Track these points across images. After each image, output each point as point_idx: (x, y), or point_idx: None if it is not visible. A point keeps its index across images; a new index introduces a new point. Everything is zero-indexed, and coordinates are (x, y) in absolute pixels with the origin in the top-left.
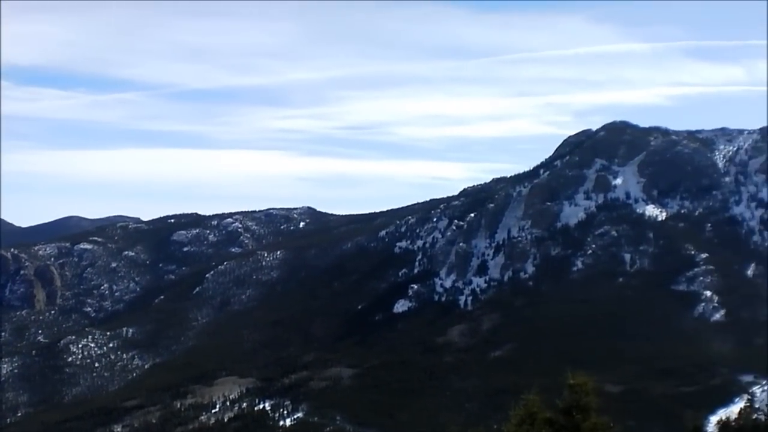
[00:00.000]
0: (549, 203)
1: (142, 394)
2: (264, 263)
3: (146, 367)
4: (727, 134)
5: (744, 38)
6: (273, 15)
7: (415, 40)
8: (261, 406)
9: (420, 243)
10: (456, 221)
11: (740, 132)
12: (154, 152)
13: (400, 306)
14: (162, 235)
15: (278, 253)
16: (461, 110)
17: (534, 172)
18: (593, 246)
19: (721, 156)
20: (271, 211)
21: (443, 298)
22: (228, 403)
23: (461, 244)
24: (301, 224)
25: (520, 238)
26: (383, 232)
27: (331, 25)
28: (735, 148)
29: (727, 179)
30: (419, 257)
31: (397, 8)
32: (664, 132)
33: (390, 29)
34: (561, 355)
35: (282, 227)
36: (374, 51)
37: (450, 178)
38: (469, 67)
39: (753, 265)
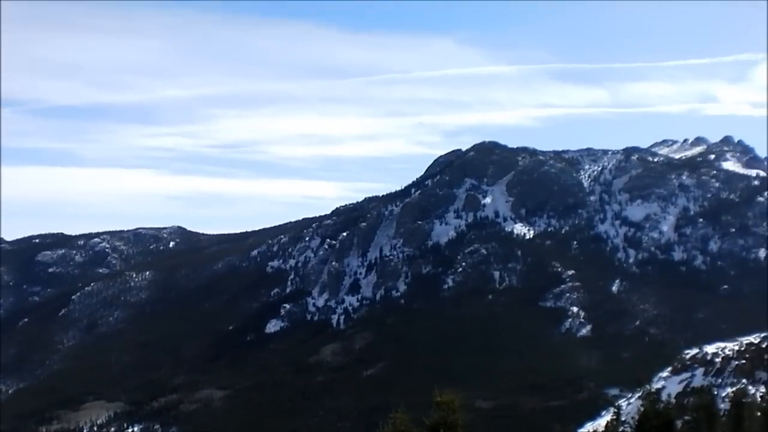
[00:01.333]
0: (420, 222)
1: (7, 421)
2: (133, 284)
3: (10, 392)
4: (592, 154)
5: (607, 61)
6: (143, 31)
7: (287, 59)
8: (130, 431)
9: (292, 262)
10: (328, 240)
11: (605, 152)
12: (19, 170)
13: (273, 326)
14: (26, 256)
15: (147, 273)
16: (333, 129)
17: (405, 192)
18: (463, 264)
19: (587, 175)
20: (140, 230)
21: (316, 318)
22: (95, 428)
23: (334, 263)
24: (171, 244)
25: (392, 257)
26: (255, 252)
27: (201, 42)
28: (600, 168)
29: (592, 198)
30: (291, 276)
31: (269, 27)
32: (532, 152)
33: (261, 47)
34: (433, 372)
35: (151, 247)
36: (245, 69)
37: (322, 197)
38: (340, 86)
39: (618, 281)
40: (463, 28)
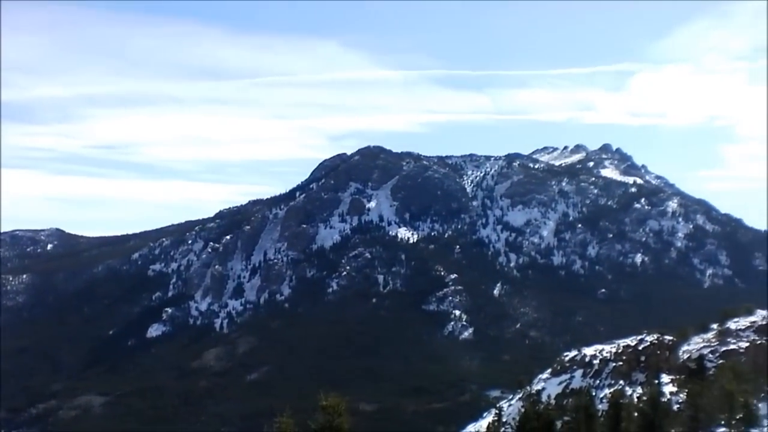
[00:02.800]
0: (305, 225)
1: None
2: (9, 288)
3: None
4: (474, 160)
5: (489, 69)
6: (20, 27)
7: (169, 59)
8: None
9: (174, 265)
10: (212, 243)
11: (487, 158)
12: None
13: (154, 330)
14: None
15: (24, 276)
16: (217, 131)
17: (290, 195)
18: (348, 268)
19: (470, 181)
20: (17, 232)
21: (198, 322)
22: None
23: (217, 266)
24: (49, 247)
25: (276, 260)
26: (136, 255)
27: (81, 39)
28: (482, 174)
29: (474, 203)
30: (174, 280)
31: (151, 25)
32: (416, 157)
33: (143, 46)
34: (317, 376)
35: (28, 250)
36: (126, 68)
37: (205, 200)
38: (224, 88)
39: (499, 284)
40: (348, 32)
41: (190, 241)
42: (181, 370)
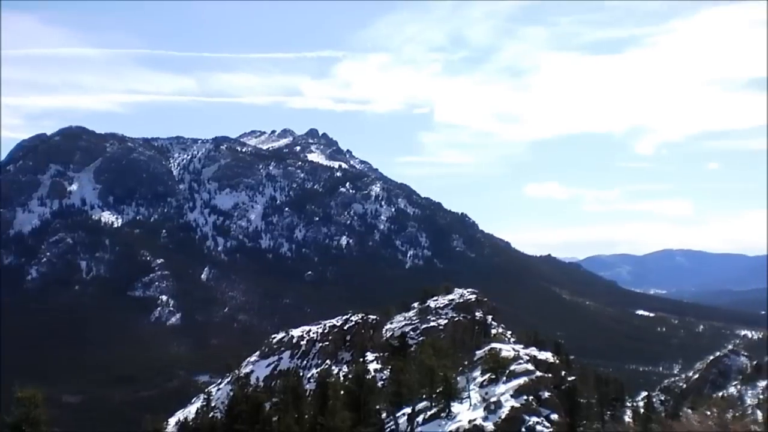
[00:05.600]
0: (1, 210)
1: None
2: None
3: None
4: (182, 143)
5: (194, 50)
6: None
7: None
8: None
9: None
10: None
11: (195, 141)
12: None
13: None
14: None
15: None
16: None
17: None
18: (48, 254)
19: (176, 164)
20: None
21: None
22: None
23: None
24: None
25: None
26: None
27: None
28: (189, 157)
29: (182, 186)
30: None
31: None
32: (120, 139)
33: None
34: (17, 369)
35: None
36: None
37: None
38: None
39: (207, 269)
40: (47, 7)
41: None
42: None
